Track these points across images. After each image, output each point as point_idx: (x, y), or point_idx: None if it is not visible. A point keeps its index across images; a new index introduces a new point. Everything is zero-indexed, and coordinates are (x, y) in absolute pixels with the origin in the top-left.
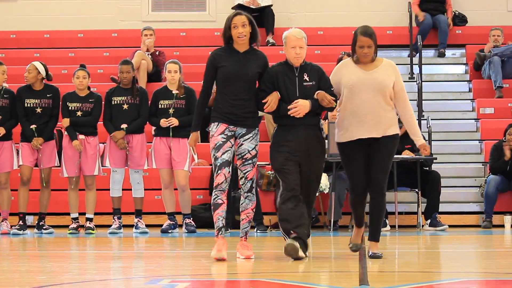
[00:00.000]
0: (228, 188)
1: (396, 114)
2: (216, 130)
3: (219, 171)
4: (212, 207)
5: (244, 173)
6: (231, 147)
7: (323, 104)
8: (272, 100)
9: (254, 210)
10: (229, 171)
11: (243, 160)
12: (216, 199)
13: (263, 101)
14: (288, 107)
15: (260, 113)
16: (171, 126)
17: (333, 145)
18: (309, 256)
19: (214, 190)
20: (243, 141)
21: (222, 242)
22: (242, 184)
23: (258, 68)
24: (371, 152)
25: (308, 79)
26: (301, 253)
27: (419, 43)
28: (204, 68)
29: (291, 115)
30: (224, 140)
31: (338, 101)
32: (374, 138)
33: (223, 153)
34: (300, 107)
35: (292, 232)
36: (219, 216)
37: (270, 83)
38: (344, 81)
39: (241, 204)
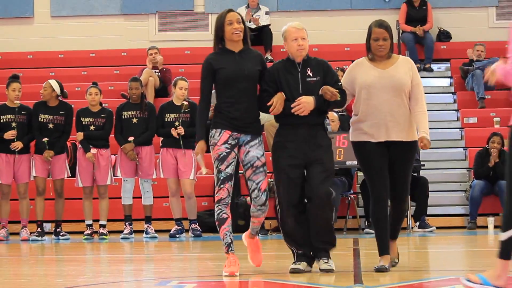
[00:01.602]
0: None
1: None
2: (219, 138)
3: (222, 186)
4: (217, 223)
5: (257, 183)
6: (235, 158)
7: (326, 97)
8: (277, 101)
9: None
10: (232, 185)
11: (254, 169)
12: (220, 214)
13: (268, 103)
14: (291, 105)
15: (262, 121)
16: (180, 135)
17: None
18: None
19: (217, 205)
20: (249, 148)
21: (233, 259)
22: (256, 197)
23: (257, 66)
24: (392, 157)
25: (311, 75)
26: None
27: None
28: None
29: (295, 113)
30: (228, 151)
31: (343, 97)
32: (394, 141)
33: (227, 166)
34: (304, 104)
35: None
36: (226, 231)
37: (272, 81)
38: (360, 82)
39: (253, 212)
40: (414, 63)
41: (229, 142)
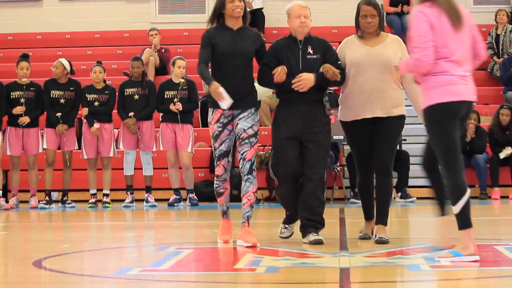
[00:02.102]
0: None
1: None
2: (213, 117)
3: (218, 162)
4: (215, 195)
5: (242, 154)
6: (229, 135)
7: (327, 76)
8: (281, 70)
9: (255, 193)
10: (229, 161)
11: (240, 140)
12: (218, 188)
13: (273, 72)
14: (292, 81)
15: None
16: (178, 111)
17: None
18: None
19: (215, 180)
20: (238, 120)
21: (227, 225)
22: (241, 166)
23: (254, 45)
24: (375, 131)
25: (312, 52)
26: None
27: None
28: None
29: (295, 89)
30: (221, 129)
31: (343, 76)
32: (379, 117)
33: (221, 144)
34: (304, 81)
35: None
36: (222, 202)
37: (274, 57)
38: (348, 59)
39: (242, 188)
40: (403, 43)
41: (220, 121)
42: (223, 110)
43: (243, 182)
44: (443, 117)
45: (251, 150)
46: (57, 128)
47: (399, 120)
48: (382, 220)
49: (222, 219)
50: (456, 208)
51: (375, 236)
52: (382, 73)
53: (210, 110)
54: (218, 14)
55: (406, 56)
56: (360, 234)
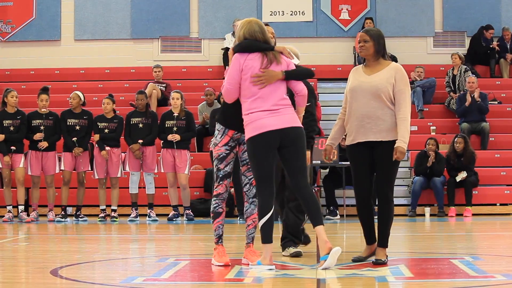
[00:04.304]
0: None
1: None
2: (221, 140)
3: (221, 182)
4: (212, 215)
5: (249, 179)
6: (233, 158)
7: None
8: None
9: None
10: (230, 181)
11: (248, 166)
12: (217, 207)
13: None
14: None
15: None
16: (174, 141)
17: None
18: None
19: (215, 199)
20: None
21: (222, 250)
22: (247, 190)
23: None
24: (375, 158)
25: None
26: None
27: None
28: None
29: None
30: (228, 152)
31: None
32: (377, 141)
33: (226, 166)
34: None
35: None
36: (219, 224)
37: None
38: (348, 85)
39: (246, 210)
40: (402, 70)
41: (229, 144)
42: (233, 132)
43: (247, 204)
44: (258, 148)
45: None
46: (74, 150)
47: (394, 145)
48: (382, 243)
49: (217, 245)
50: (260, 223)
51: (373, 259)
52: (372, 99)
53: (218, 133)
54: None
55: (400, 82)
56: (354, 256)
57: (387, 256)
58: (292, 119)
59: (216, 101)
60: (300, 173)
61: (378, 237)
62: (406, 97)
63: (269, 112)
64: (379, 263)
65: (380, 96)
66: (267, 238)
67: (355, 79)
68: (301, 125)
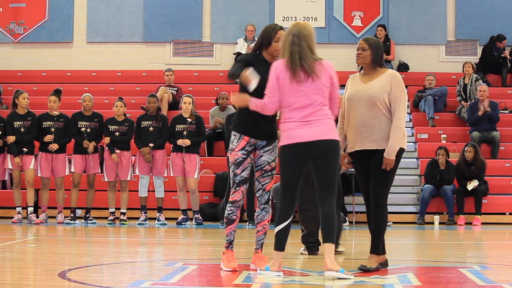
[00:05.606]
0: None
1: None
2: (238, 144)
3: (237, 188)
4: (225, 221)
5: (263, 185)
6: (250, 163)
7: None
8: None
9: (270, 221)
10: (246, 187)
11: (262, 172)
12: (231, 214)
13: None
14: None
15: None
16: (184, 146)
17: None
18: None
19: (229, 205)
20: (263, 152)
21: (231, 255)
22: (259, 196)
23: None
24: (371, 165)
25: None
26: None
27: None
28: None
29: None
30: (245, 156)
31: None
32: (373, 150)
33: (243, 171)
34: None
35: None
36: (231, 230)
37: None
38: (345, 94)
39: (257, 215)
40: (398, 77)
41: (246, 149)
42: (249, 138)
43: (258, 210)
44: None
45: (272, 182)
46: (84, 142)
47: None
48: (374, 249)
49: (227, 250)
50: (276, 229)
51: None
52: (367, 108)
53: (235, 136)
54: (261, 46)
55: (395, 90)
56: (360, 265)
57: (382, 264)
58: (324, 131)
59: (232, 106)
60: (324, 187)
61: (371, 243)
62: (401, 104)
63: (300, 123)
64: (364, 270)
65: (376, 104)
66: (280, 245)
67: (352, 87)
68: (335, 138)
